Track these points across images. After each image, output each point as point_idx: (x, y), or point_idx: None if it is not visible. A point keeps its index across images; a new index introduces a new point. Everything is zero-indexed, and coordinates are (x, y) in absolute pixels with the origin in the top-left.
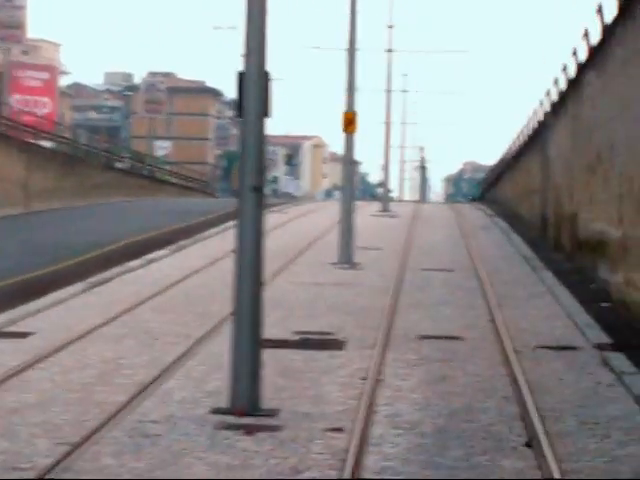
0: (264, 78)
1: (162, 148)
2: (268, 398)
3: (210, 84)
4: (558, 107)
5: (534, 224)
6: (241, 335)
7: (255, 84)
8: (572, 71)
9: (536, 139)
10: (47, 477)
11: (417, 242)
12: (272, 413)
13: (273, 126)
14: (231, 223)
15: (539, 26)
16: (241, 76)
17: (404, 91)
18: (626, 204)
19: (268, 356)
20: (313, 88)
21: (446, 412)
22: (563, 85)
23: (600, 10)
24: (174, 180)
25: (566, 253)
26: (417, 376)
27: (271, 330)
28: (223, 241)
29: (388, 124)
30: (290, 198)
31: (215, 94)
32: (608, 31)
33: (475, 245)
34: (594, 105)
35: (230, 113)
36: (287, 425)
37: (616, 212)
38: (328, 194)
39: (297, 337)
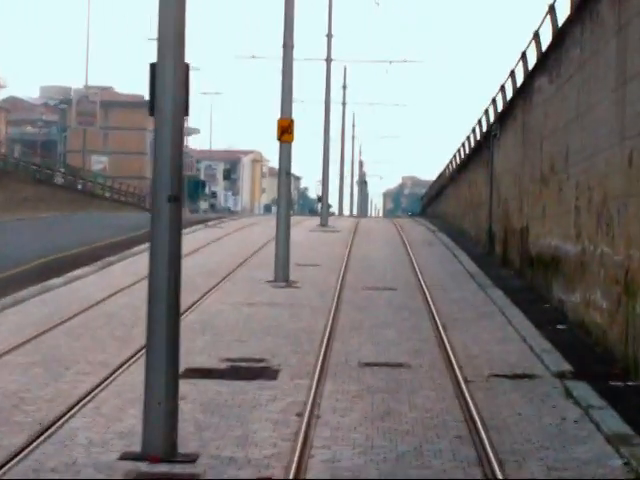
0: (182, 70)
1: (99, 162)
2: (188, 439)
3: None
4: (505, 116)
5: (480, 239)
6: (154, 370)
7: (171, 77)
8: (521, 77)
9: (481, 151)
10: None
11: (358, 258)
12: (191, 458)
13: (212, 141)
14: None
15: (487, 35)
16: (154, 68)
17: (343, 103)
18: (584, 217)
19: (191, 388)
20: (253, 102)
21: (392, 456)
22: (511, 92)
23: (552, 9)
24: (108, 194)
25: (515, 269)
26: (358, 411)
27: (197, 358)
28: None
29: (327, 136)
30: (229, 213)
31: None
32: (562, 32)
33: (419, 261)
34: (546, 112)
35: None
36: (207, 474)
37: (573, 226)
38: (267, 209)
39: (225, 365)
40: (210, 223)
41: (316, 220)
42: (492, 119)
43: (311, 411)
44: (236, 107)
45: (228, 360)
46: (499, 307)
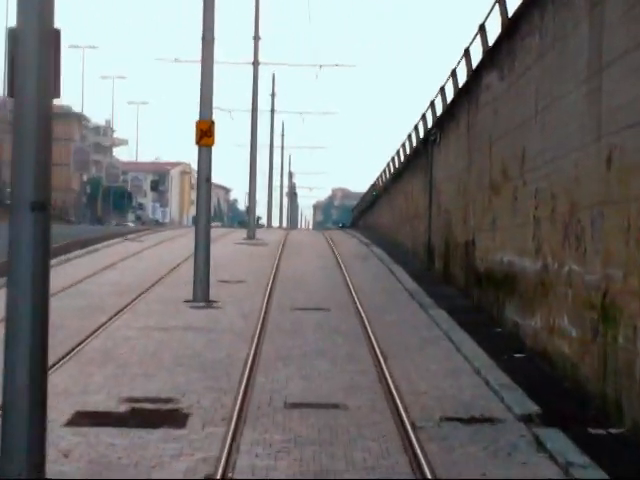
0: (51, 38)
1: None
2: None
3: (77, 109)
4: (447, 120)
5: (417, 253)
6: (12, 437)
7: (35, 47)
8: (464, 76)
9: (418, 158)
10: None
11: (286, 274)
12: None
13: (140, 152)
14: (67, 256)
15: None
16: (13, 35)
17: (272, 111)
18: (546, 230)
19: (79, 441)
20: (180, 111)
21: None
22: (452, 94)
23: None
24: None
25: (459, 287)
26: (284, 471)
27: (93, 397)
28: (64, 272)
29: (254, 143)
30: (155, 225)
31: (80, 119)
32: (515, 19)
33: (353, 278)
34: (497, 111)
35: (94, 139)
36: None
37: (531, 239)
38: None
39: (125, 407)
40: (130, 236)
41: (244, 232)
42: (430, 124)
43: (224, 472)
44: (162, 116)
45: (129, 400)
46: (444, 331)
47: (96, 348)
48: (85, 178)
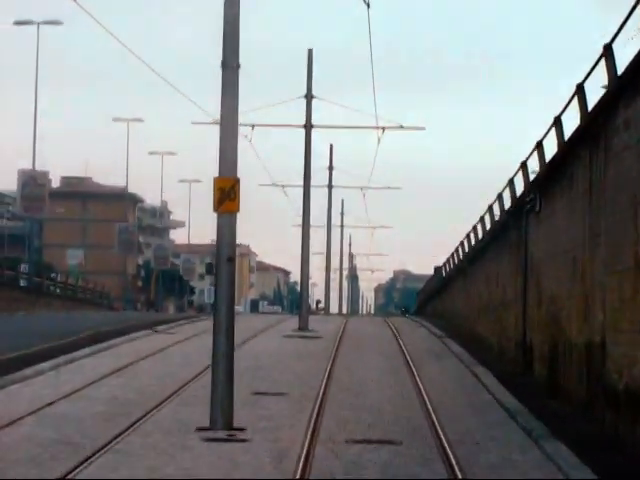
0: None
1: (74, 257)
2: None
3: (132, 189)
4: (551, 179)
5: (507, 352)
6: None
7: None
8: (574, 116)
9: (506, 233)
10: None
11: (342, 382)
12: None
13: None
14: (72, 355)
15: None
16: None
17: (329, 186)
18: None
19: None
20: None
21: None
22: (558, 146)
23: None
24: (59, 292)
25: (575, 403)
26: None
27: None
28: (56, 380)
29: (306, 217)
30: (208, 310)
31: (134, 200)
32: None
33: (428, 386)
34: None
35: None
36: None
37: None
38: (254, 305)
39: None
40: (160, 327)
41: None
42: (522, 189)
43: None
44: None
45: None
46: None
47: None
48: (141, 261)
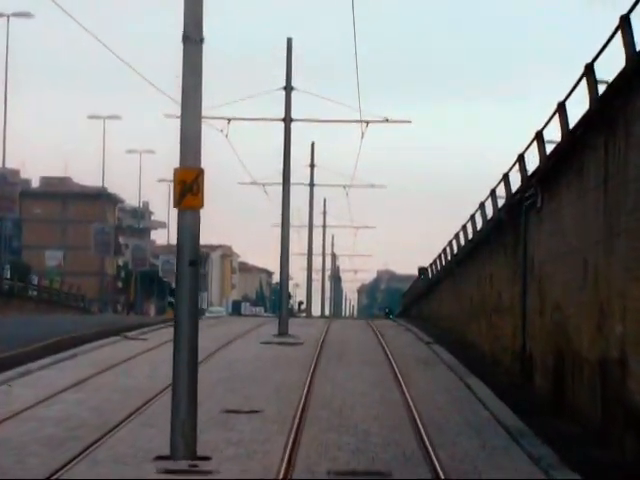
0: None
1: (53, 258)
2: None
3: (113, 189)
4: (557, 170)
5: (501, 361)
6: None
7: None
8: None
9: (500, 233)
10: None
11: (323, 396)
12: None
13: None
14: (28, 367)
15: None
16: None
17: (311, 184)
18: None
19: None
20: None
21: None
22: (563, 133)
23: None
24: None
25: (585, 423)
26: None
27: None
28: (5, 397)
29: (285, 215)
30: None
31: (114, 200)
32: None
33: (418, 401)
34: None
35: (130, 222)
36: None
37: None
38: (235, 307)
39: None
40: (132, 333)
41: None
42: (520, 184)
43: None
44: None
45: None
46: None
47: None
48: (121, 263)
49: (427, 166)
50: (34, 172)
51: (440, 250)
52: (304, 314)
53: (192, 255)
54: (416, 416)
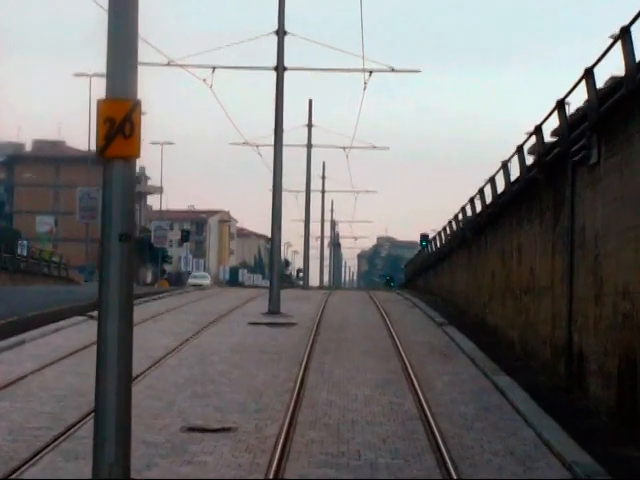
0: None
1: (44, 224)
2: None
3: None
4: (624, 106)
5: (535, 354)
6: None
7: None
8: None
9: (535, 194)
10: None
11: (315, 405)
12: None
13: (174, 199)
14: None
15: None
16: None
17: (309, 146)
18: None
19: None
20: (219, 158)
21: None
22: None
23: None
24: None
25: None
26: None
27: None
28: None
29: (277, 175)
30: (184, 282)
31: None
32: None
33: (439, 413)
34: None
35: None
36: None
37: None
38: (233, 275)
39: None
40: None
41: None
42: (561, 132)
43: None
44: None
45: None
46: None
47: None
48: None
49: (432, 130)
50: (30, 136)
51: (451, 216)
52: (300, 282)
53: (124, 227)
54: (438, 439)
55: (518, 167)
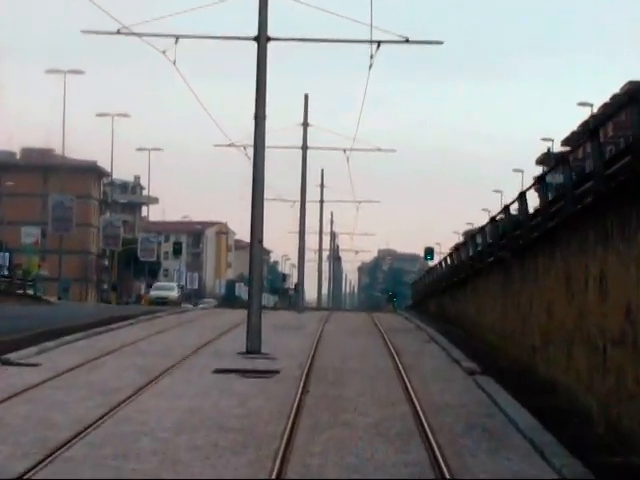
0: None
1: (29, 235)
2: None
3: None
4: None
5: (636, 444)
6: None
7: None
8: None
9: (626, 201)
10: None
11: None
12: None
13: (171, 210)
14: None
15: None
16: None
17: (304, 148)
18: None
19: None
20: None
21: None
22: None
23: None
24: None
25: None
26: None
27: None
28: None
29: (257, 175)
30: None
31: (99, 174)
32: None
33: None
34: None
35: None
36: None
37: None
38: (229, 288)
39: None
40: (28, 351)
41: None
42: None
43: None
44: (195, 174)
45: None
46: None
47: None
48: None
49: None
50: (20, 144)
51: (474, 227)
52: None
53: None
54: None
55: (593, 162)
